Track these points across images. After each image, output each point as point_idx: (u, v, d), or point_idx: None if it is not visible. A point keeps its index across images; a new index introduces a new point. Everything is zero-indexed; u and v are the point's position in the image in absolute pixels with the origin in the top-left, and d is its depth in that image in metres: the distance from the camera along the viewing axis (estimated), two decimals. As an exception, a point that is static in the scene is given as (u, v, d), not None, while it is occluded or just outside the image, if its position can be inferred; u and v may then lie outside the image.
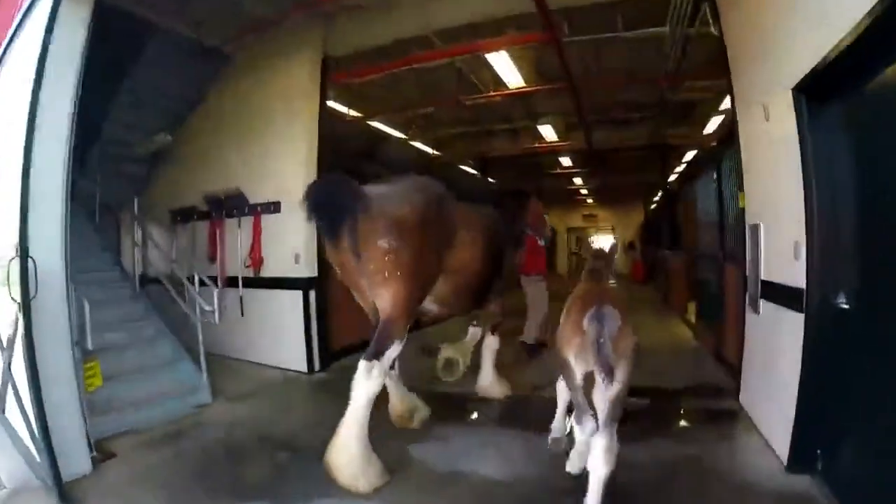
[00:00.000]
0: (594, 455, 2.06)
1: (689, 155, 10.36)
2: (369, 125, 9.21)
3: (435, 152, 12.34)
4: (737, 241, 4.00)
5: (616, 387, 2.02)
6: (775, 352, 2.99)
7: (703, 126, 7.83)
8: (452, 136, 11.41)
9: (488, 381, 3.94)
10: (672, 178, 12.46)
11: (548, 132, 10.19)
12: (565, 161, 13.86)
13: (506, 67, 6.17)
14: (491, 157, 12.61)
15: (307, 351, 5.02)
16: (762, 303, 3.32)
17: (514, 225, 4.09)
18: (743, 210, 3.68)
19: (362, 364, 2.56)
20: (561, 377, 2.64)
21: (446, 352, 4.18)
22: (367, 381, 2.53)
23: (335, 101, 7.05)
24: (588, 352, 2.03)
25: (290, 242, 5.05)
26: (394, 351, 2.68)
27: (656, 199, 16.01)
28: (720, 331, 4.70)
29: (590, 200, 21.82)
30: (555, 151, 12.48)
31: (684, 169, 10.64)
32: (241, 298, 5.41)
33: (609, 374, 1.90)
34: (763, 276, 3.30)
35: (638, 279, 14.78)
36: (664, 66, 5.40)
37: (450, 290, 3.14)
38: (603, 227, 21.85)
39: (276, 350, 5.22)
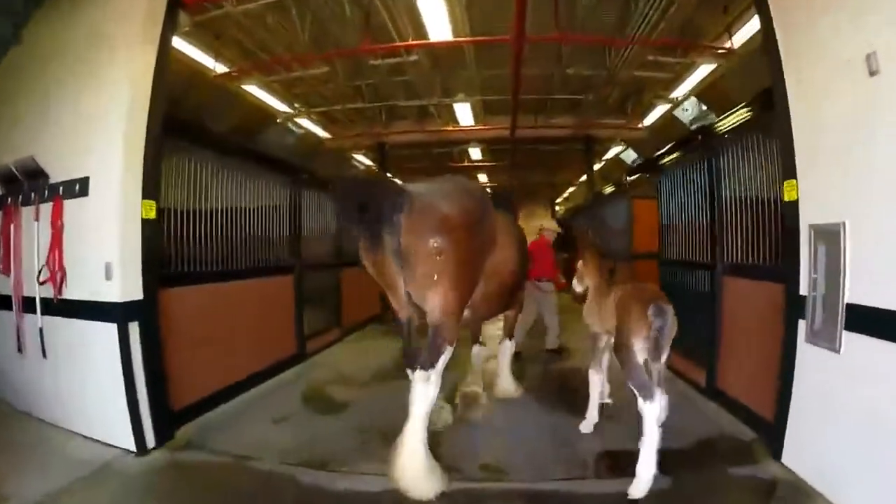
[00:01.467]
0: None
1: (614, 150, 10.00)
2: (243, 91, 7.11)
3: (325, 134, 10.46)
4: (763, 248, 3.29)
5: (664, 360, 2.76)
6: (874, 403, 2.18)
7: (641, 117, 7.35)
8: (347, 113, 9.60)
9: (508, 383, 4.11)
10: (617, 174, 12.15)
11: (464, 114, 8.96)
12: (475, 153, 12.85)
13: (434, 8, 4.72)
14: (391, 143, 11.00)
15: (132, 418, 3.11)
16: (846, 336, 2.38)
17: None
18: (792, 204, 2.78)
19: (419, 374, 2.62)
20: (593, 371, 3.45)
21: (466, 386, 3.96)
22: (425, 390, 2.61)
23: (195, 50, 5.00)
24: (650, 339, 2.65)
25: (100, 244, 3.14)
26: (447, 355, 2.70)
27: (567, 198, 15.95)
28: (713, 362, 3.87)
29: (491, 200, 21.54)
30: (466, 141, 11.36)
31: (640, 164, 10.17)
32: (40, 331, 3.38)
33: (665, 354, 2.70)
34: (849, 299, 2.37)
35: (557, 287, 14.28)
36: (634, 27, 4.40)
37: (482, 295, 3.09)
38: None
39: (87, 414, 3.30)
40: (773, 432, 2.93)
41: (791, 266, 2.78)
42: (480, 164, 14.10)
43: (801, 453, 2.71)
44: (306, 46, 6.31)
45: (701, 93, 9.87)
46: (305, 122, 9.63)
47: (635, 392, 2.67)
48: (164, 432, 3.24)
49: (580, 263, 3.55)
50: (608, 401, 3.63)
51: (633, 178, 7.18)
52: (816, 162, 2.63)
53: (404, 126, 10.40)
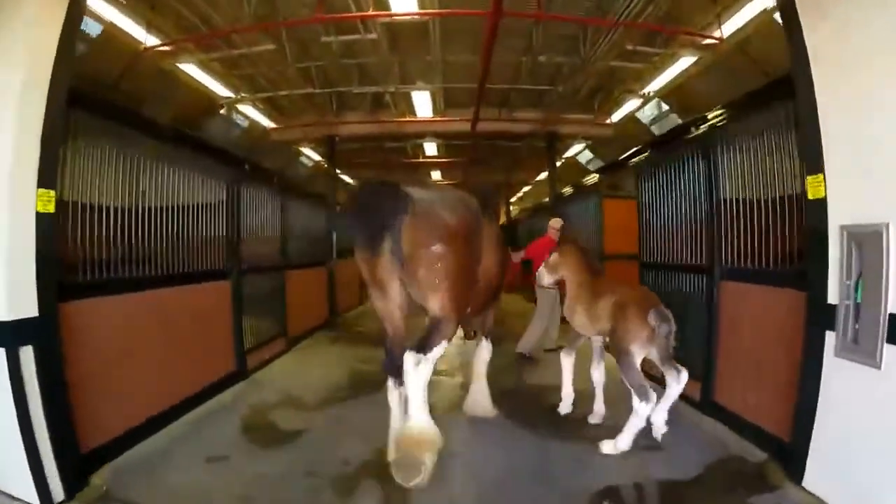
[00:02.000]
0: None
1: (575, 148, 9.86)
2: (180, 72, 6.27)
3: (270, 123, 9.62)
4: (774, 250, 3.08)
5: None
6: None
7: (609, 114, 7.18)
8: (295, 101, 8.84)
9: (483, 398, 3.81)
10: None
11: (423, 103, 8.44)
12: (430, 149, 12.38)
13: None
14: (342, 135, 10.28)
15: (32, 465, 2.42)
16: (888, 350, 2.15)
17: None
18: (818, 202, 2.52)
19: (409, 355, 2.65)
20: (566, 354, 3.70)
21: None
22: (415, 371, 2.64)
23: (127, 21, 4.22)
24: (652, 341, 2.95)
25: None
26: (441, 349, 2.78)
27: (521, 197, 15.84)
28: (710, 373, 3.64)
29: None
30: (422, 135, 10.86)
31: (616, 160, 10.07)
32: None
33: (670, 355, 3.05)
34: (893, 309, 2.15)
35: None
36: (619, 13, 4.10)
37: (472, 297, 3.15)
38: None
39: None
40: (790, 453, 2.70)
41: (816, 271, 2.54)
42: (436, 160, 13.64)
43: (828, 477, 2.47)
44: (252, 20, 5.59)
45: (669, 93, 9.96)
46: (249, 111, 8.76)
47: (632, 391, 2.92)
48: (74, 481, 2.57)
49: (554, 256, 3.67)
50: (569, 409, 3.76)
51: (602, 174, 6.95)
52: (849, 154, 2.39)
53: (357, 117, 9.73)
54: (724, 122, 3.54)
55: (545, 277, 3.75)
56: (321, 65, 7.37)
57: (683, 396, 3.84)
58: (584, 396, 3.76)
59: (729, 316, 3.48)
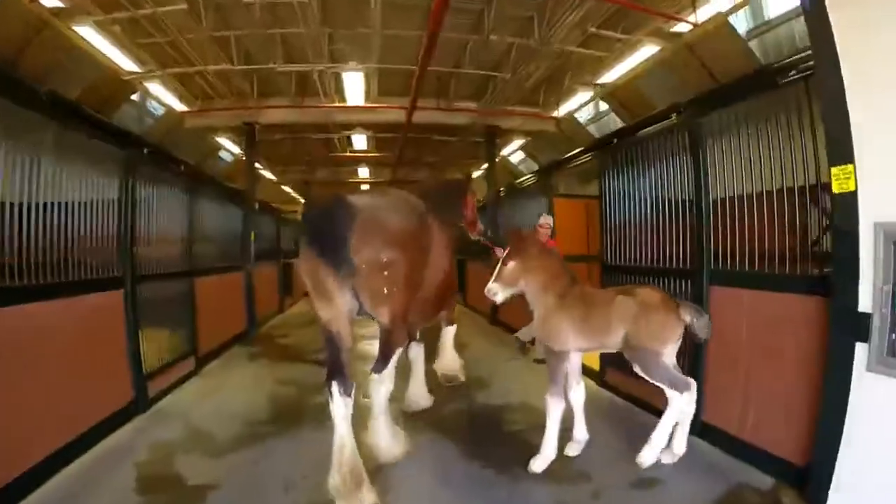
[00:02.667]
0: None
1: (514, 144, 9.55)
2: (83, 40, 5.12)
3: (181, 106, 8.38)
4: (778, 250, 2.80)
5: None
6: None
7: (556, 106, 6.90)
8: (211, 83, 7.73)
9: (451, 360, 4.27)
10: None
11: (354, 88, 7.70)
12: (359, 141, 11.60)
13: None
14: (263, 124, 9.20)
15: None
16: None
17: (454, 222, 4.01)
18: (847, 196, 2.25)
19: (374, 377, 2.95)
20: (554, 397, 2.98)
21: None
22: (381, 386, 2.96)
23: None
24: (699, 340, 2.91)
25: None
26: (397, 356, 2.97)
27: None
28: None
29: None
30: (351, 126, 10.07)
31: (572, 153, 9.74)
32: None
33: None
34: None
35: None
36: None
37: (421, 302, 3.22)
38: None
39: None
40: (808, 478, 2.45)
41: (845, 275, 2.28)
42: (364, 154, 12.84)
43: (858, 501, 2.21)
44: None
45: (610, 94, 9.96)
46: (159, 91, 7.50)
47: (668, 389, 2.80)
48: None
49: (512, 264, 3.00)
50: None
51: (551, 171, 6.63)
52: (885, 140, 2.11)
53: (280, 102, 8.72)
54: (716, 106, 3.25)
55: (498, 293, 3.01)
56: (242, 35, 6.40)
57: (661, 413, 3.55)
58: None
59: (719, 325, 3.11)
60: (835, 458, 2.28)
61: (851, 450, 2.23)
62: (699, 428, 3.24)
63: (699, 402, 3.21)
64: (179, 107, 8.41)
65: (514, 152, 13.17)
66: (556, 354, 2.96)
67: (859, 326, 2.19)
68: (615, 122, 12.56)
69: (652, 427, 2.91)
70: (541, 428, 2.96)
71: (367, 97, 8.18)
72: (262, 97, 8.47)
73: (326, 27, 6.18)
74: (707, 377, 3.27)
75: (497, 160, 12.54)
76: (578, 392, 3.11)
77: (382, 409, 3.05)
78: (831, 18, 2.29)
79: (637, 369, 2.85)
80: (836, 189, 2.32)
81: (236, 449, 3.26)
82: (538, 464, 2.90)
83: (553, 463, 2.91)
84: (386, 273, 2.76)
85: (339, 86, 7.85)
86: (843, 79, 2.25)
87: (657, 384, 2.82)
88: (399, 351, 2.99)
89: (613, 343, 2.92)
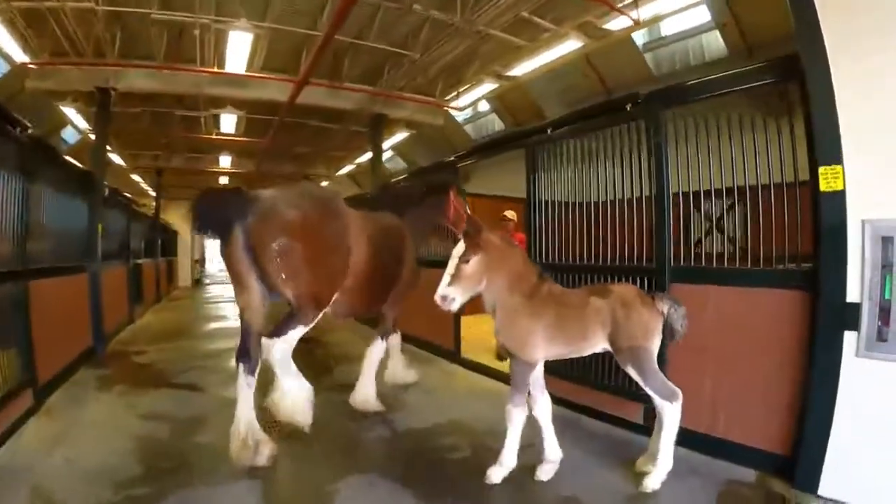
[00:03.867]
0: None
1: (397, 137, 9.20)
2: None
3: (22, 56, 6.45)
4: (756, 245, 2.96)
5: None
6: None
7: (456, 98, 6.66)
8: (68, 31, 6.03)
9: (365, 392, 4.06)
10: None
11: (237, 51, 6.67)
12: (228, 123, 10.25)
13: None
14: (122, 90, 7.47)
15: None
16: None
17: (433, 221, 4.39)
18: (835, 195, 2.47)
19: (265, 341, 3.08)
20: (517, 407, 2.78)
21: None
22: (272, 352, 3.06)
23: None
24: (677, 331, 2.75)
25: None
26: (297, 333, 3.16)
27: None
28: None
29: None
30: (223, 103, 8.81)
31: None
32: None
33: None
34: None
35: None
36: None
37: (348, 290, 3.47)
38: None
39: None
40: (796, 464, 2.60)
41: (832, 269, 2.49)
42: (230, 139, 11.35)
43: (850, 479, 2.42)
44: None
45: (498, 95, 10.11)
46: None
47: (659, 399, 2.65)
48: None
49: (473, 261, 2.66)
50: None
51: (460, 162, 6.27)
52: (873, 142, 2.35)
53: (144, 61, 7.16)
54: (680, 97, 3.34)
55: (456, 298, 2.69)
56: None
57: (626, 423, 3.54)
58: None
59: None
60: (826, 441, 2.48)
61: (841, 430, 2.44)
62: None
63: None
64: (22, 58, 6.40)
65: (385, 151, 12.90)
66: (524, 363, 2.73)
67: (847, 316, 2.41)
68: (495, 124, 12.99)
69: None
70: (486, 449, 2.86)
71: (250, 67, 7.14)
72: (125, 58, 6.87)
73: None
74: (671, 379, 3.15)
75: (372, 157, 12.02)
76: (544, 403, 2.88)
77: (287, 370, 3.13)
78: (821, 25, 2.47)
79: (631, 372, 2.69)
80: (823, 188, 2.52)
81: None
82: (497, 473, 2.75)
83: (531, 486, 2.74)
84: (282, 259, 3.05)
85: (220, 50, 6.71)
86: (833, 82, 2.44)
87: (649, 391, 2.67)
88: (301, 328, 3.17)
89: (590, 348, 2.80)
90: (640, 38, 7.98)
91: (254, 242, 3.02)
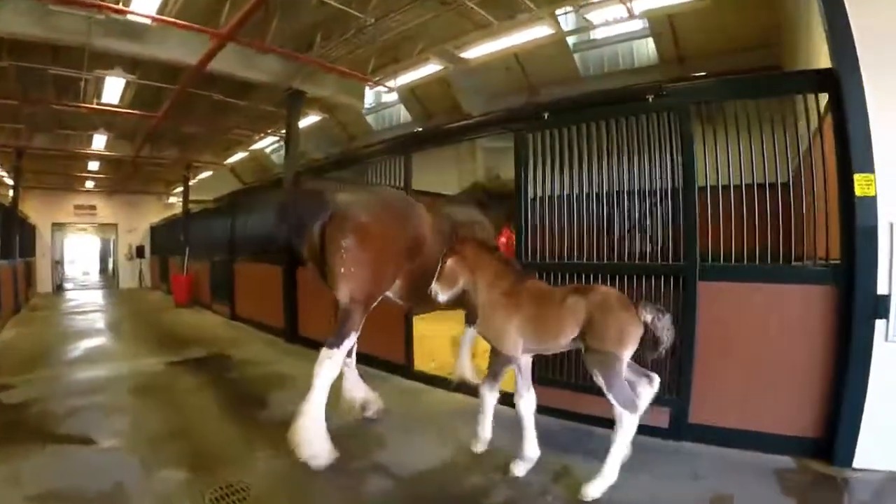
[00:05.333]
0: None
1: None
2: None
3: None
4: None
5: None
6: None
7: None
8: None
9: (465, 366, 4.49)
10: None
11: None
12: (113, 88, 8.79)
13: None
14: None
15: None
16: None
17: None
18: (868, 200, 2.84)
19: (324, 351, 3.23)
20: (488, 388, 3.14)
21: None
22: (329, 366, 3.19)
23: None
24: (658, 340, 2.70)
25: None
26: (351, 341, 3.38)
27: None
28: (686, 394, 3.42)
29: (90, 184, 17.71)
30: (107, 62, 7.52)
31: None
32: None
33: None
34: None
35: (181, 300, 11.62)
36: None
37: (410, 288, 3.78)
38: (103, 224, 19.52)
39: None
40: (833, 444, 2.93)
41: (865, 265, 2.86)
42: (112, 109, 9.48)
43: (883, 450, 2.82)
44: None
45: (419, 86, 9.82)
46: None
47: (619, 408, 2.66)
48: None
49: (451, 261, 3.12)
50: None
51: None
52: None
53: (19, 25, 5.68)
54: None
55: (441, 293, 3.13)
56: None
57: (648, 429, 3.34)
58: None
59: (711, 322, 3.31)
60: (860, 418, 2.85)
61: (872, 408, 2.83)
62: (687, 431, 3.38)
63: (685, 404, 3.40)
64: None
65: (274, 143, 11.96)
66: (503, 356, 3.00)
67: (878, 306, 2.81)
68: (400, 116, 12.69)
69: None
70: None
71: (162, 10, 6.02)
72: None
73: None
74: (695, 380, 3.35)
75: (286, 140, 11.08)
76: (528, 400, 2.97)
77: (320, 399, 3.18)
78: (854, 35, 2.81)
79: (596, 376, 2.71)
80: (857, 193, 2.89)
81: None
82: (479, 447, 3.24)
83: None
84: (342, 256, 3.36)
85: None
86: (866, 93, 2.78)
87: (610, 398, 2.67)
88: (354, 336, 3.39)
89: (564, 345, 2.89)
90: (570, 38, 8.31)
91: (325, 241, 3.44)
